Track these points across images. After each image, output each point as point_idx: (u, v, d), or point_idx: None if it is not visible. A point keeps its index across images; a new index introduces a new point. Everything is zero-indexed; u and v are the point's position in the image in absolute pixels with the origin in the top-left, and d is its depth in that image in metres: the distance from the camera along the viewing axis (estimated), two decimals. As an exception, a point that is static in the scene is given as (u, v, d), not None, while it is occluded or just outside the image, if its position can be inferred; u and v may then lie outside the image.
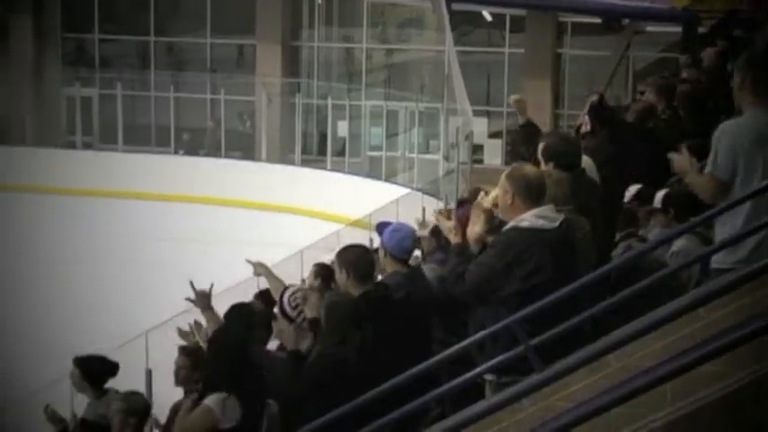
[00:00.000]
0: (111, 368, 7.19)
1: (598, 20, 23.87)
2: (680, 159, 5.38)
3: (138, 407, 6.54)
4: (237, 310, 6.71)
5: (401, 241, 6.43)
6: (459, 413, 4.70)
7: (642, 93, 10.97)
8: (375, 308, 5.87)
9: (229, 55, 27.98)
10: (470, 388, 4.96)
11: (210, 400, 5.57)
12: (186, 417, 5.63)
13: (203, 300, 6.69)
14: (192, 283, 6.59)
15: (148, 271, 19.00)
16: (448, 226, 5.67)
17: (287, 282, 6.90)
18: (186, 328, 7.21)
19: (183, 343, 7.21)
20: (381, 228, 6.61)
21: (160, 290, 17.67)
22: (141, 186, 24.95)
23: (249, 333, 6.32)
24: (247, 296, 7.72)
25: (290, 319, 6.11)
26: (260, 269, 7.07)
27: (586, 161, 6.58)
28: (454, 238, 5.52)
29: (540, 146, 6.20)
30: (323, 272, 7.63)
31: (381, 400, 4.78)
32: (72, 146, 27.01)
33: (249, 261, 7.04)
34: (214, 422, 5.53)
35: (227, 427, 5.58)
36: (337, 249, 6.30)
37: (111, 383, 7.19)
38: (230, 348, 5.81)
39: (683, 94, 9.17)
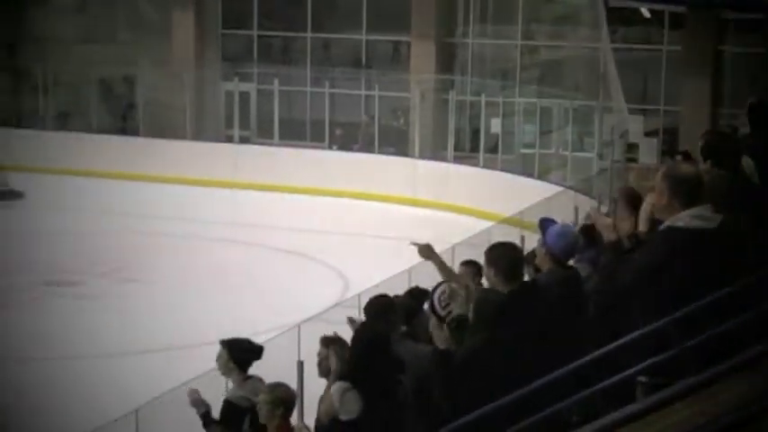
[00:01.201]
0: (256, 351, 7.29)
1: (761, 16, 23.19)
2: None
3: (284, 397, 6.63)
4: (376, 303, 6.77)
5: (567, 245, 6.32)
6: (610, 415, 4.64)
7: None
8: (524, 306, 5.81)
9: (384, 51, 28.18)
10: (621, 389, 4.90)
11: (333, 389, 5.68)
12: (319, 405, 5.76)
13: (425, 250, 6.72)
14: (413, 243, 6.65)
15: (304, 263, 19.32)
16: (606, 223, 5.59)
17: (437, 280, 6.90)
18: (335, 320, 7.30)
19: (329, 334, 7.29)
20: (545, 224, 6.50)
21: (316, 282, 18.01)
22: (296, 181, 25.38)
23: (389, 326, 6.38)
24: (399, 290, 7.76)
25: (440, 318, 6.12)
26: (425, 251, 7.00)
27: (747, 162, 6.42)
28: (609, 236, 5.44)
29: (699, 144, 6.08)
30: (472, 269, 7.62)
31: (529, 400, 4.76)
32: (230, 140, 27.61)
33: (415, 243, 6.97)
34: (334, 412, 5.62)
35: (345, 419, 5.65)
36: (487, 247, 6.25)
37: (263, 374, 7.31)
38: (368, 343, 5.88)
39: None
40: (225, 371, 7.21)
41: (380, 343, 6.07)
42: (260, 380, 7.17)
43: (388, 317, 6.70)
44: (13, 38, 30.25)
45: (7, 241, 20.67)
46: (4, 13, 30.07)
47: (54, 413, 12.08)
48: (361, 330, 6.31)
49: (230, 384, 7.33)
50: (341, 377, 6.14)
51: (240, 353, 7.21)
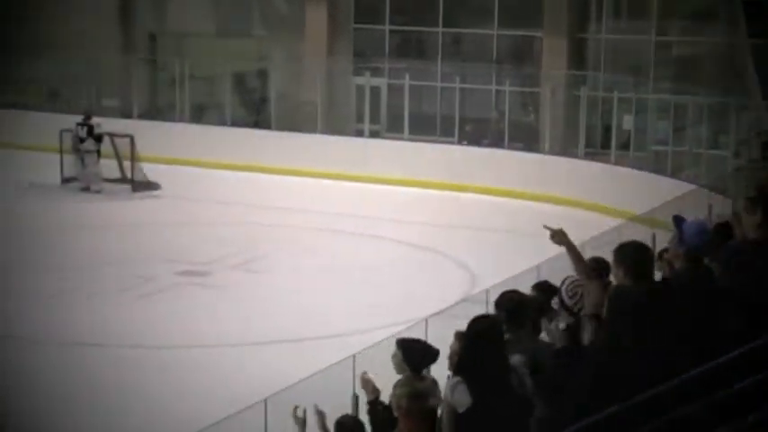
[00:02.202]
0: (431, 355, 7.25)
1: None
2: None
3: (412, 393, 6.56)
4: (508, 298, 6.74)
5: (706, 242, 6.16)
6: (754, 413, 4.55)
7: None
8: (660, 303, 5.71)
9: (515, 47, 28.04)
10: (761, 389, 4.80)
11: (447, 384, 5.72)
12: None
13: (559, 235, 6.68)
14: (547, 226, 6.60)
15: (431, 257, 19.36)
16: (754, 221, 5.45)
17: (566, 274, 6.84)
18: (463, 316, 7.29)
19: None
20: (679, 221, 6.38)
21: (442, 276, 18.05)
22: (425, 175, 25.47)
23: (521, 323, 6.35)
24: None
25: (569, 310, 6.08)
26: (559, 236, 6.90)
27: None
28: (755, 233, 5.31)
29: None
30: (599, 266, 7.54)
31: (664, 400, 4.71)
32: (360, 134, 27.82)
33: (548, 227, 6.87)
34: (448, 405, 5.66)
35: (459, 411, 5.68)
36: (617, 245, 6.16)
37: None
38: (474, 335, 5.88)
39: None
40: (398, 370, 7.19)
41: (488, 335, 6.06)
42: (434, 381, 7.12)
43: (520, 313, 6.66)
44: (156, 29, 31.05)
45: (143, 231, 21.23)
46: (148, 5, 30.89)
47: (184, 400, 12.36)
48: (471, 323, 6.31)
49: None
50: (454, 371, 6.16)
51: (414, 355, 7.15)
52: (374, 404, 7.15)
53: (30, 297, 16.42)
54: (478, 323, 6.18)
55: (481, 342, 5.99)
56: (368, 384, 7.13)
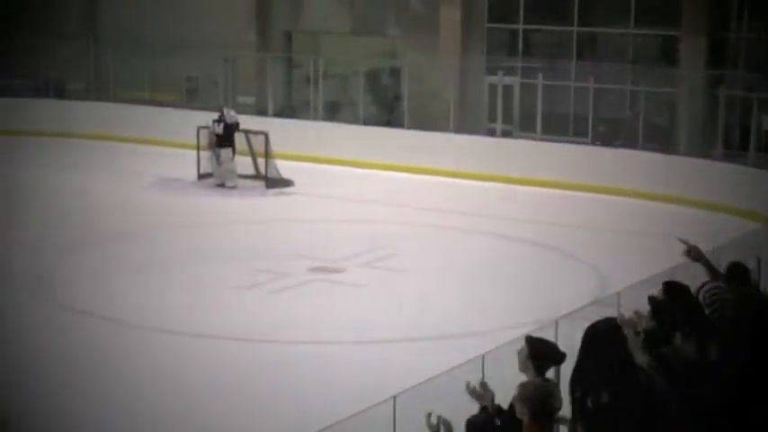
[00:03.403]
0: (557, 358, 7.19)
1: None
2: None
3: (533, 396, 6.47)
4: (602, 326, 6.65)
5: None
6: None
7: None
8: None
9: (652, 46, 27.58)
10: None
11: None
12: None
13: (694, 252, 6.62)
14: (682, 239, 6.51)
15: (559, 258, 19.22)
16: None
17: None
18: (593, 318, 7.22)
19: None
20: None
21: (572, 278, 17.88)
22: (557, 175, 25.29)
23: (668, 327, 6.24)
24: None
25: (699, 315, 5.98)
26: (694, 253, 6.79)
27: None
28: None
29: None
30: (736, 271, 7.38)
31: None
32: (492, 133, 27.74)
33: (683, 240, 6.77)
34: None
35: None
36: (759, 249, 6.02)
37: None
38: (591, 338, 5.83)
39: None
40: (522, 367, 7.16)
41: (602, 337, 5.99)
42: (555, 385, 7.07)
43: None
44: (291, 27, 31.47)
45: (276, 227, 21.55)
46: (285, 4, 31.33)
47: (315, 396, 12.50)
48: (589, 325, 6.25)
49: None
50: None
51: (540, 354, 7.11)
52: (487, 409, 7.14)
53: (166, 291, 16.83)
54: (595, 325, 6.14)
55: (594, 342, 5.93)
56: (478, 392, 7.08)
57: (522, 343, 7.06)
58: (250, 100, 30.56)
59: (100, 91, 32.60)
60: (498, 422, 6.72)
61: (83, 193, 23.92)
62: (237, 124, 25.34)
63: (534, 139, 27.13)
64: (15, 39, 31.58)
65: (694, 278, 6.79)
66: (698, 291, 6.21)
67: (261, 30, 31.47)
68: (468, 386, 6.87)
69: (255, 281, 17.25)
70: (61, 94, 32.85)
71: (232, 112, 25.73)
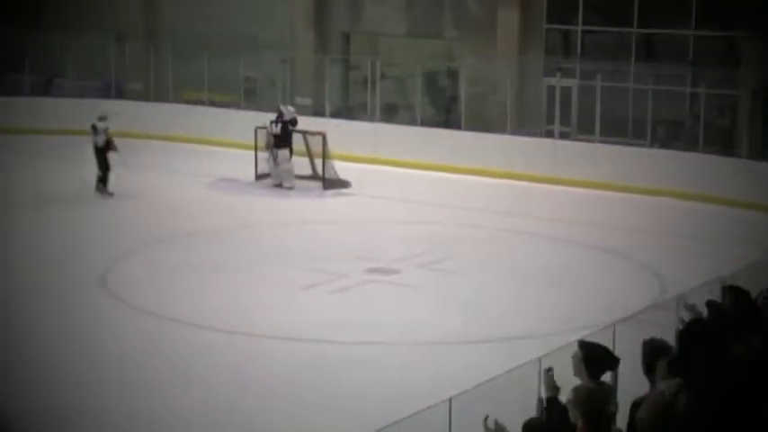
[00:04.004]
0: (611, 362, 7.15)
1: None
2: None
3: (585, 399, 6.41)
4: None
5: None
6: None
7: None
8: None
9: (712, 47, 27.28)
10: None
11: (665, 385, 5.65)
12: None
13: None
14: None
15: (616, 261, 19.08)
16: None
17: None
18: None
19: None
20: None
21: (630, 281, 17.76)
22: (615, 178, 25.13)
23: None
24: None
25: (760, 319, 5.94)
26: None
27: None
28: None
29: None
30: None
31: None
32: (550, 135, 27.62)
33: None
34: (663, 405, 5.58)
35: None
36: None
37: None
38: (687, 338, 5.79)
39: None
40: (576, 371, 7.15)
41: (701, 338, 5.95)
42: (610, 388, 7.03)
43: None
44: (349, 29, 31.57)
45: (333, 228, 21.60)
46: (343, 6, 31.42)
47: (371, 397, 12.51)
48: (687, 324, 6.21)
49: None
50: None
51: (594, 359, 7.09)
52: (552, 402, 7.11)
53: (222, 293, 16.93)
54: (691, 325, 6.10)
55: (693, 342, 5.89)
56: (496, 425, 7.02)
57: (577, 347, 7.04)
58: (308, 101, 30.70)
59: (159, 91, 32.92)
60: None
61: (141, 194, 24.13)
62: (295, 120, 25.43)
63: (592, 141, 26.97)
64: (76, 39, 31.94)
65: (756, 283, 6.74)
66: (758, 296, 6.16)
67: (319, 31, 31.59)
68: (485, 421, 6.81)
69: (312, 281, 17.30)
70: (121, 94, 33.22)
71: (290, 108, 25.88)
